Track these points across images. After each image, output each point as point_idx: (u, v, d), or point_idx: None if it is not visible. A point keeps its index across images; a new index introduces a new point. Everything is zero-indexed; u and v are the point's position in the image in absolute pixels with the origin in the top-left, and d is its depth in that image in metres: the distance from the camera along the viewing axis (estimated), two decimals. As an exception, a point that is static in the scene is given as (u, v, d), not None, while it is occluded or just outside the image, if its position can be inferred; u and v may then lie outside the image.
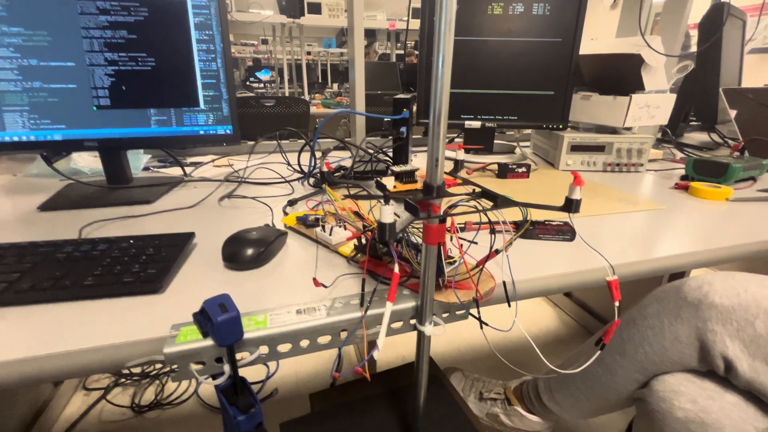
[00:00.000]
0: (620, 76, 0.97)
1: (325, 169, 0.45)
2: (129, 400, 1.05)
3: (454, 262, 0.41)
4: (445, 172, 0.43)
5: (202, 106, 0.74)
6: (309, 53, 5.32)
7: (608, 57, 0.98)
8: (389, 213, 0.26)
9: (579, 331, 1.41)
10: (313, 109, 2.66)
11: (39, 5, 0.64)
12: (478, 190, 0.35)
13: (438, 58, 0.30)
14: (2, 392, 0.87)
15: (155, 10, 0.68)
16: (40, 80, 0.66)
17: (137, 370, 1.13)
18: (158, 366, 1.14)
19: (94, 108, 0.69)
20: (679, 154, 1.13)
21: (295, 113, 2.14)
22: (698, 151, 1.18)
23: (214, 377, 0.35)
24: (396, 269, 0.30)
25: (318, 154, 0.99)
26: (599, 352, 0.37)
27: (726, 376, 0.49)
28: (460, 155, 0.45)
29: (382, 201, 0.26)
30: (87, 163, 0.90)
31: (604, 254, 0.51)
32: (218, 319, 0.31)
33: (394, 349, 1.28)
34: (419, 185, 0.37)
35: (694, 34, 1.19)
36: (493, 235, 0.40)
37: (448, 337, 1.34)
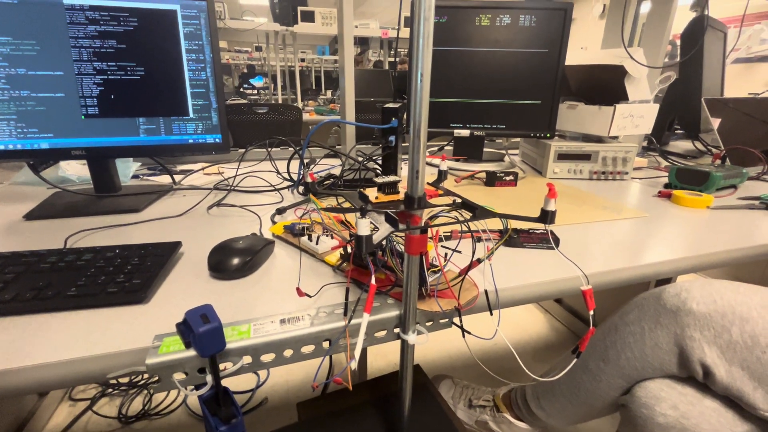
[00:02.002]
0: (605, 86, 0.99)
1: (309, 179, 0.45)
2: (116, 410, 1.04)
3: (438, 270, 0.42)
4: (428, 183, 0.43)
5: (191, 115, 0.74)
6: (303, 60, 5.34)
7: (593, 68, 1.00)
8: (365, 226, 0.27)
9: (569, 337, 1.42)
10: (306, 116, 2.66)
11: (28, 15, 0.64)
12: (458, 200, 0.36)
13: (416, 73, 0.31)
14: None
15: (145, 20, 0.69)
16: (27, 89, 0.66)
17: (125, 379, 1.12)
18: (146, 376, 1.13)
19: (82, 117, 0.69)
20: (664, 162, 1.15)
21: (288, 120, 2.14)
22: (682, 160, 1.20)
23: (197, 388, 0.36)
24: (372, 281, 0.31)
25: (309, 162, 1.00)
26: (575, 359, 0.38)
27: (705, 382, 0.50)
28: (444, 165, 0.46)
29: (358, 214, 0.27)
30: (75, 171, 0.89)
31: (587, 262, 0.52)
32: (199, 330, 0.31)
33: (384, 357, 1.28)
34: (401, 196, 0.37)
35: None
36: (474, 244, 0.40)
37: (438, 344, 1.34)
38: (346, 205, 0.56)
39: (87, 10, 0.66)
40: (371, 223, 0.29)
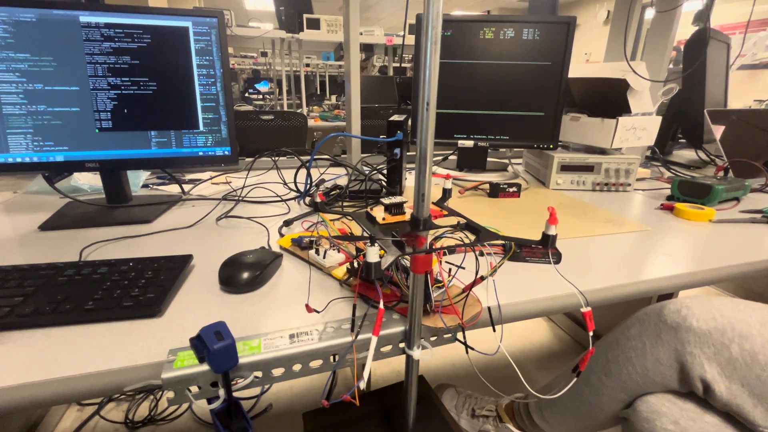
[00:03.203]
0: (607, 99, 1.00)
1: (318, 200, 0.47)
2: (123, 415, 1.05)
3: (442, 286, 0.43)
4: (433, 202, 0.45)
5: (201, 128, 0.76)
6: (308, 65, 5.39)
7: (596, 81, 1.01)
8: (374, 253, 0.28)
9: (573, 347, 1.42)
10: (311, 122, 2.69)
11: (45, 32, 0.66)
12: (462, 221, 0.37)
13: (423, 103, 0.33)
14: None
15: (157, 36, 0.71)
16: (44, 104, 0.68)
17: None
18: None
19: (96, 130, 0.71)
20: (667, 173, 1.16)
21: (294, 126, 2.17)
22: (685, 170, 1.21)
23: (209, 401, 0.37)
24: (381, 305, 0.32)
25: (314, 172, 1.01)
26: (575, 379, 0.39)
27: (705, 398, 0.51)
28: (448, 184, 0.47)
29: (367, 243, 0.28)
30: (87, 180, 0.91)
31: (589, 276, 0.53)
32: (214, 347, 0.32)
33: (388, 364, 1.28)
34: (407, 216, 0.39)
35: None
36: (478, 261, 0.42)
37: (442, 353, 1.34)
38: (353, 224, 0.58)
39: (102, 27, 0.68)
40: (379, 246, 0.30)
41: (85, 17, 0.67)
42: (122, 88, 0.71)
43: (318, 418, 0.59)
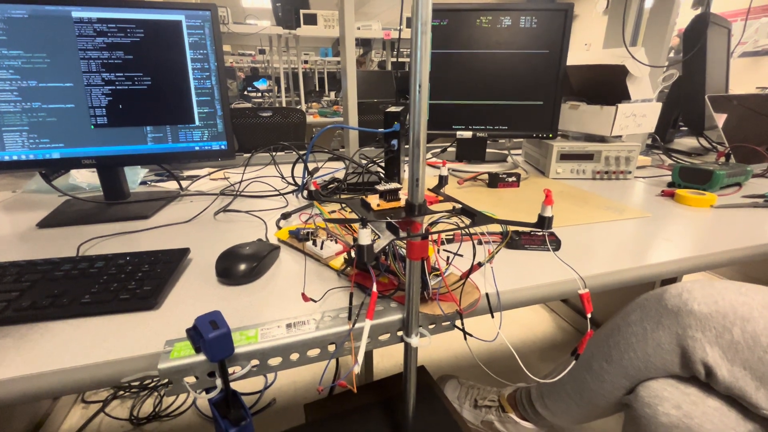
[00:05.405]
0: (607, 86, 0.99)
1: (312, 188, 0.46)
2: (127, 412, 1.06)
3: (439, 274, 0.43)
4: (428, 189, 0.44)
5: (197, 122, 0.76)
6: (306, 62, 5.37)
7: (595, 67, 1.00)
8: (367, 236, 0.28)
9: (575, 336, 1.42)
10: (309, 118, 2.69)
11: (38, 29, 0.66)
12: (458, 206, 0.37)
13: (415, 85, 0.32)
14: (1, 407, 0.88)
15: (151, 31, 0.70)
16: (39, 101, 0.68)
17: (136, 382, 1.14)
18: (156, 378, 1.15)
19: (92, 126, 0.71)
20: (668, 161, 1.15)
21: (292, 123, 2.16)
22: (687, 157, 1.20)
23: (207, 391, 0.37)
24: (374, 288, 0.32)
25: (313, 166, 1.01)
26: (574, 362, 0.39)
27: (707, 382, 0.51)
28: (444, 171, 0.46)
29: (359, 225, 0.28)
30: (85, 178, 0.91)
31: (590, 263, 0.53)
32: (209, 336, 0.32)
33: (391, 357, 1.29)
34: (403, 203, 0.38)
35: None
36: (475, 248, 0.41)
37: (444, 344, 1.35)
38: (349, 211, 0.58)
39: (95, 22, 0.68)
40: (373, 231, 0.29)
41: (78, 12, 0.67)
42: (116, 83, 0.70)
43: (319, 408, 0.59)
